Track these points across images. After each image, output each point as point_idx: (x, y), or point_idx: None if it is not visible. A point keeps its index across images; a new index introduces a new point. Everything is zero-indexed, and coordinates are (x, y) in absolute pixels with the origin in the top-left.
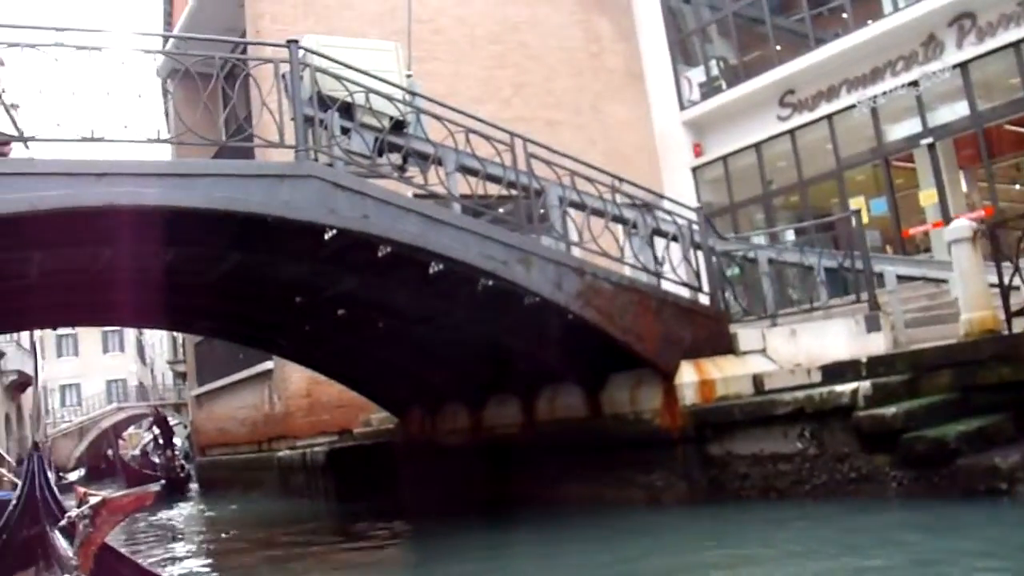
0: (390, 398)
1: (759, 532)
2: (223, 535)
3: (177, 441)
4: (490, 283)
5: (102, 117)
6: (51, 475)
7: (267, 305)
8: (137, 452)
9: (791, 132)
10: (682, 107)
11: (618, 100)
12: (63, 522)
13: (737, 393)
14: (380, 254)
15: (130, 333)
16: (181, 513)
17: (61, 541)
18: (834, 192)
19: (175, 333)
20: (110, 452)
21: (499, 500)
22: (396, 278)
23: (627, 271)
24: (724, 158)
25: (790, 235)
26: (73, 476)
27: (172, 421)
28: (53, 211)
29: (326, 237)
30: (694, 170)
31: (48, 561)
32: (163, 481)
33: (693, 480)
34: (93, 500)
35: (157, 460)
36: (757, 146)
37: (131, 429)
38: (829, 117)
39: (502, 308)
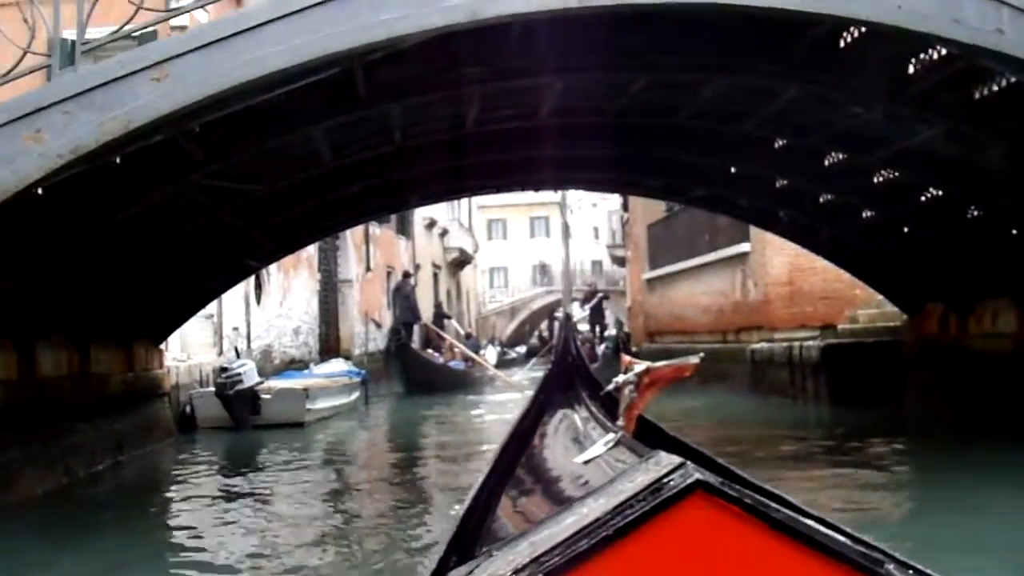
0: (903, 289)
1: None
2: (712, 428)
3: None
4: None
5: None
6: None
7: (792, 166)
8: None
9: None
10: None
11: None
12: (610, 387)
13: None
14: (977, 95)
15: (555, 219)
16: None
17: (593, 404)
18: None
19: (613, 215)
20: (544, 332)
21: None
22: (989, 132)
23: None
24: None
25: None
26: (515, 352)
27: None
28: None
29: (911, 70)
30: None
31: (583, 421)
32: (702, 354)
33: None
34: (638, 368)
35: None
36: None
37: (559, 312)
38: None
39: None
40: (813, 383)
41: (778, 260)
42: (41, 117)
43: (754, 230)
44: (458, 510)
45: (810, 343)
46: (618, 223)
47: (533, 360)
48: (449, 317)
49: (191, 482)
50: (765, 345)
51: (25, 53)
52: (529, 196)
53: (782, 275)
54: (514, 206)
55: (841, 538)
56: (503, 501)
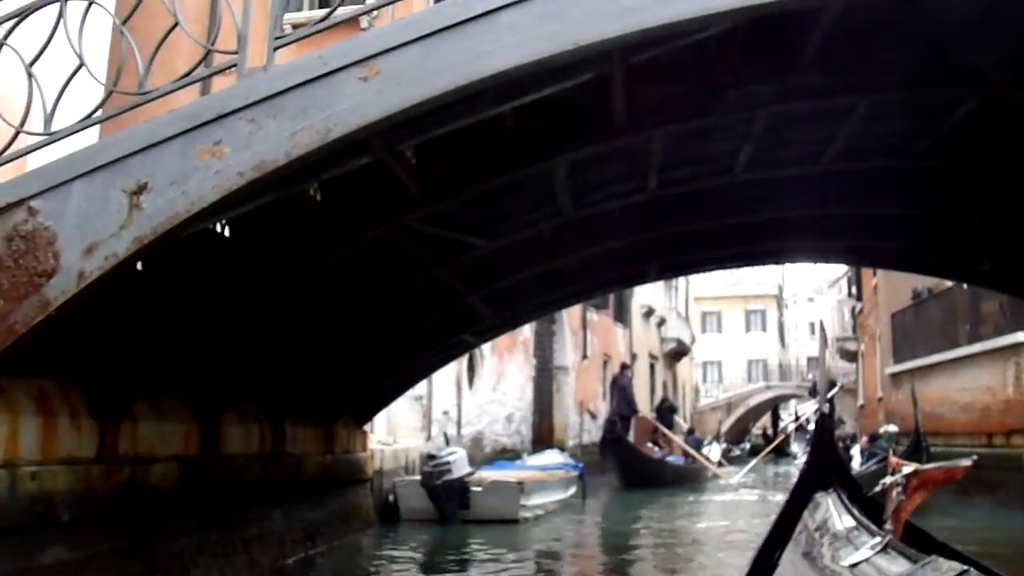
0: None
1: None
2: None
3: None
4: None
5: None
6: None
7: None
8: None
9: None
10: None
11: None
12: (876, 489)
13: None
14: None
15: (772, 314)
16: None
17: (853, 506)
18: None
19: (844, 306)
20: (768, 429)
21: None
22: None
23: None
24: None
25: None
26: (738, 449)
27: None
28: None
29: None
30: None
31: (845, 523)
32: (975, 456)
33: None
34: (906, 469)
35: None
36: None
37: (787, 409)
38: None
39: None
40: None
41: None
42: (221, 126)
43: None
44: None
45: None
46: (848, 314)
47: (754, 461)
48: (675, 411)
49: None
50: None
51: (209, 52)
52: (745, 288)
53: None
54: (728, 298)
55: None
56: None
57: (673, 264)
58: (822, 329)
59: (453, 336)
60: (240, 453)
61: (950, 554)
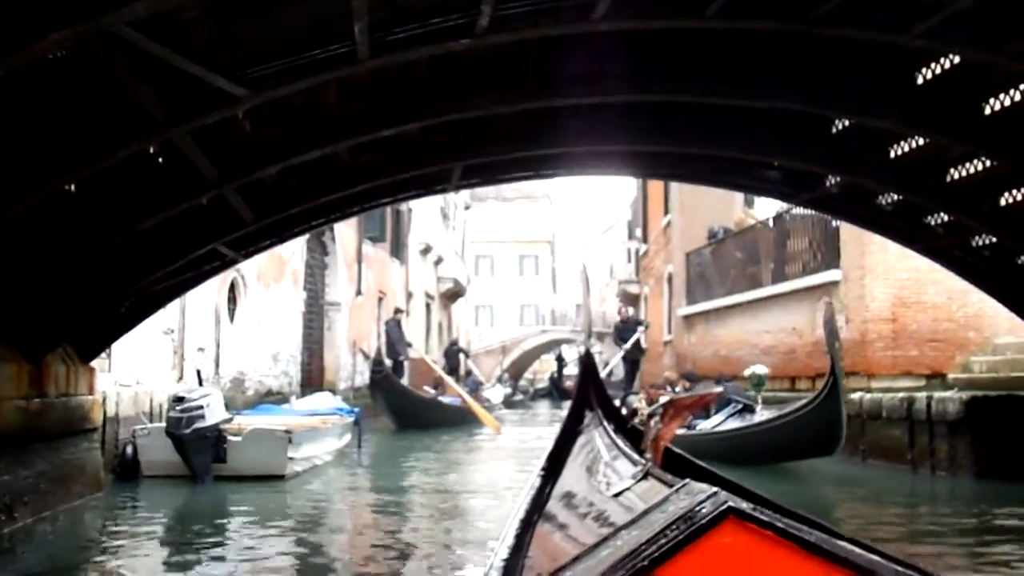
0: None
1: None
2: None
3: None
4: None
5: None
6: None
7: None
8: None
9: None
10: None
11: None
12: (637, 420)
13: None
14: None
15: (546, 259)
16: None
17: (618, 437)
18: None
19: (627, 246)
20: (552, 374)
21: None
22: None
23: None
24: None
25: None
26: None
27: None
28: None
29: None
30: None
31: (611, 454)
32: (725, 383)
33: None
34: (662, 399)
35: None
36: None
37: (567, 351)
38: None
39: None
40: (948, 447)
41: (880, 291)
42: None
43: (848, 255)
44: (494, 551)
45: (945, 394)
46: (631, 257)
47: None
48: (467, 354)
49: (116, 563)
50: (866, 396)
51: None
52: (519, 232)
53: (884, 310)
54: (502, 242)
55: (876, 558)
56: (536, 538)
57: (480, 166)
58: (584, 271)
59: (203, 244)
60: None
61: (705, 476)
